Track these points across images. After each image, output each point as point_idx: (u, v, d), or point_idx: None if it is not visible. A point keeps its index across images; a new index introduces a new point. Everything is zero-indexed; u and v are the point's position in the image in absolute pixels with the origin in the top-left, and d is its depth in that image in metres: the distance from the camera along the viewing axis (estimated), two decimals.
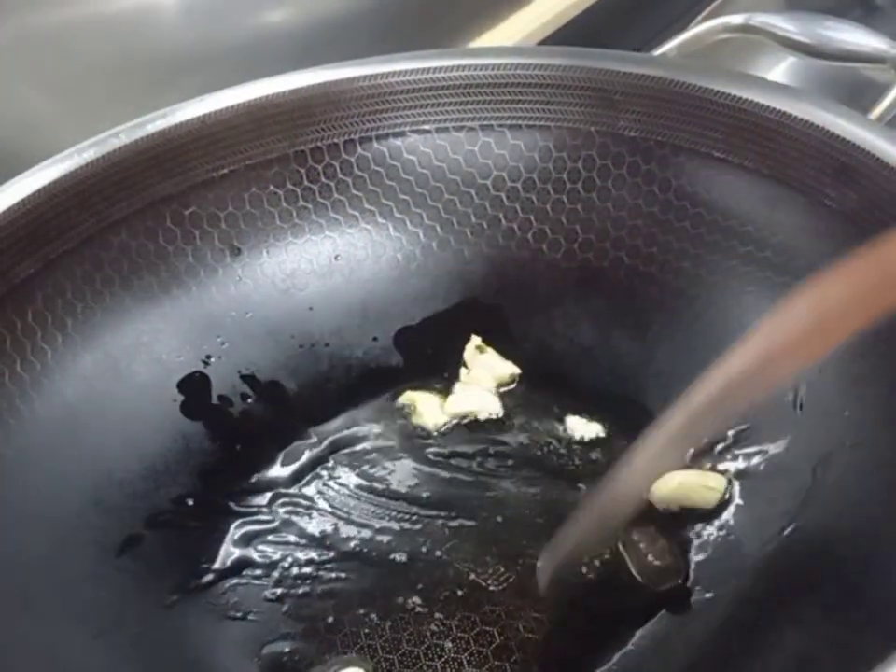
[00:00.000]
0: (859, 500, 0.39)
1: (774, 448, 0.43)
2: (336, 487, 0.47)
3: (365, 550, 0.44)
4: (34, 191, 0.46)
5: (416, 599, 0.42)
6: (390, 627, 0.41)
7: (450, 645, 0.40)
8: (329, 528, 0.45)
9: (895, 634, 0.30)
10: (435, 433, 0.49)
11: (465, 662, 0.40)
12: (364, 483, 0.47)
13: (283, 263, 0.53)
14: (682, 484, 0.43)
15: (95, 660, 0.39)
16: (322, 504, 0.46)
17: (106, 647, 0.40)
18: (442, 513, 0.45)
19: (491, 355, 0.51)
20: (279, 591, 0.43)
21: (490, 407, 0.49)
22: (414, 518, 0.45)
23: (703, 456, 0.45)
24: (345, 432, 0.50)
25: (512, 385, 0.51)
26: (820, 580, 0.37)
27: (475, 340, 0.51)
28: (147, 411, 0.48)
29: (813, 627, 0.36)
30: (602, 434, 0.48)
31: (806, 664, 0.35)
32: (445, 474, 0.47)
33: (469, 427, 0.49)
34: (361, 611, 0.42)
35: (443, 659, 0.40)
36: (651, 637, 0.39)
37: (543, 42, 0.72)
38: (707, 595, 0.40)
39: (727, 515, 0.43)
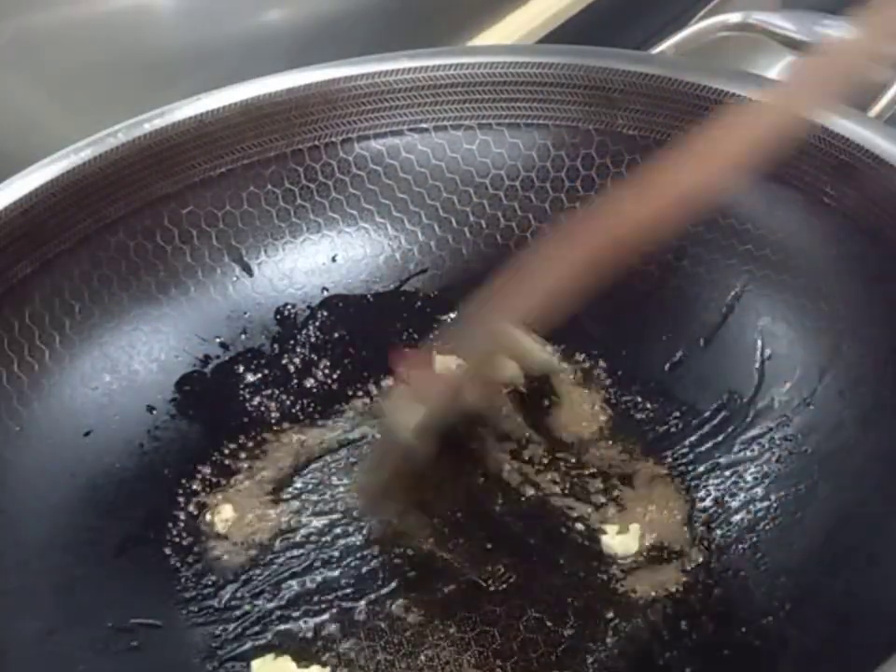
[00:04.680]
0: (859, 499, 0.39)
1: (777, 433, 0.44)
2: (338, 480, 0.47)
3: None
4: (31, 190, 0.46)
5: (411, 603, 0.42)
6: (389, 628, 0.41)
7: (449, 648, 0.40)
8: (331, 529, 0.45)
9: (895, 634, 0.30)
10: None
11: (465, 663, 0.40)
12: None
13: (280, 262, 0.53)
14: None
15: (94, 660, 0.39)
16: (325, 504, 0.46)
17: (106, 648, 0.40)
18: None
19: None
20: (278, 594, 0.43)
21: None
22: None
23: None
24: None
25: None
26: (821, 579, 0.37)
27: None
28: (146, 411, 0.48)
29: (813, 627, 0.36)
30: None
31: (807, 663, 0.35)
32: None
33: None
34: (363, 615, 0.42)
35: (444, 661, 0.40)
36: (648, 635, 0.39)
37: (541, 40, 0.72)
38: (709, 594, 0.40)
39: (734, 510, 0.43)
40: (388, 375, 0.50)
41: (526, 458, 0.47)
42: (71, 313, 0.47)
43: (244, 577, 0.43)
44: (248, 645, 0.41)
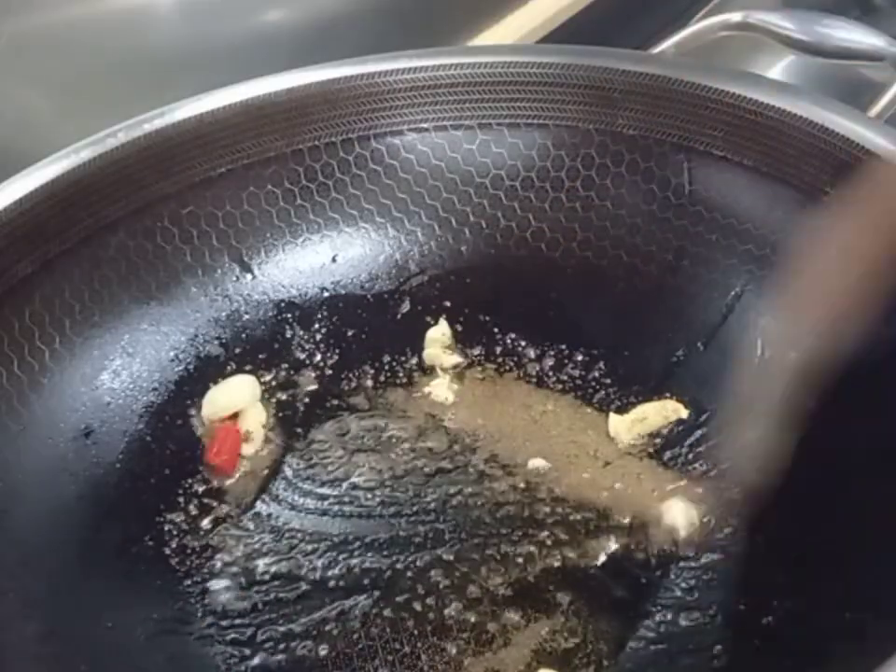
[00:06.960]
0: (858, 499, 0.39)
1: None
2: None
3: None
4: (31, 191, 0.46)
5: (411, 604, 0.42)
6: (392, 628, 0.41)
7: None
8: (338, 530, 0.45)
9: None
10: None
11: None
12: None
13: (280, 262, 0.53)
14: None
15: (94, 660, 0.39)
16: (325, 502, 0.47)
17: (106, 648, 0.40)
18: None
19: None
20: (279, 597, 0.43)
21: None
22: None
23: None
24: None
25: None
26: (821, 579, 0.37)
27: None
28: (147, 411, 0.48)
29: (813, 627, 0.36)
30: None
31: (807, 663, 0.35)
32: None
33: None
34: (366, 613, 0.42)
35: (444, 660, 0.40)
36: (656, 634, 0.39)
37: (542, 40, 0.72)
38: (708, 594, 0.40)
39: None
40: (386, 376, 0.51)
41: None
42: (71, 313, 0.47)
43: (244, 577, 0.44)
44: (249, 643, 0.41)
